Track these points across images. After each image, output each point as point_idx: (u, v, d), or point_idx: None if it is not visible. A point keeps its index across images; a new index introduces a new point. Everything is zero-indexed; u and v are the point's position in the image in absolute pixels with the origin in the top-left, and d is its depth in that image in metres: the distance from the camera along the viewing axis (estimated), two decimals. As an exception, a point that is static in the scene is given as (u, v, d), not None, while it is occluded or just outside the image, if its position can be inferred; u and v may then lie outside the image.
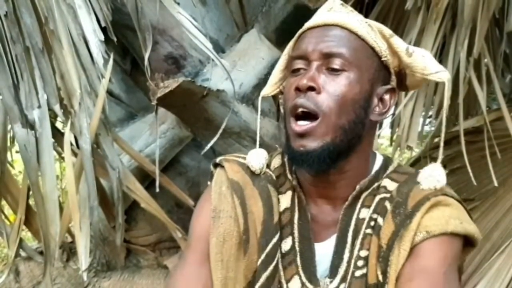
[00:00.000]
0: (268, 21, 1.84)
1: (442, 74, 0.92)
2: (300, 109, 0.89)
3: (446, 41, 1.91)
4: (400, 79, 0.98)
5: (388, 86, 0.95)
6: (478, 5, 1.69)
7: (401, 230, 0.87)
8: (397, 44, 0.94)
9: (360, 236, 0.94)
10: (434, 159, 2.38)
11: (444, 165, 2.42)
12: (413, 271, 0.86)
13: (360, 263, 0.93)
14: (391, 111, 0.98)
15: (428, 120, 2.40)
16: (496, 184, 1.88)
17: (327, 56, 0.89)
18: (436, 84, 1.98)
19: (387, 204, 0.93)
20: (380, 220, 0.92)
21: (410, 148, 1.90)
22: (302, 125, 0.89)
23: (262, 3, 1.85)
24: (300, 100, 0.89)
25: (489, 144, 1.96)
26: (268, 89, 1.03)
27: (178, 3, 1.51)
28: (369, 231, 0.93)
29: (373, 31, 0.93)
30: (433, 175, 0.90)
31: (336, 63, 0.89)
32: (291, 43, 0.99)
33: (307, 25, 0.95)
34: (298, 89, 0.89)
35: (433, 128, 2.37)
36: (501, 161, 2.02)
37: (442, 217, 0.88)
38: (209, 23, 1.73)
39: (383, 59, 0.93)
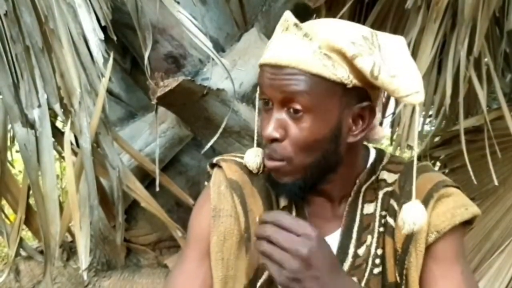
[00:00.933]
0: (268, 20, 1.84)
1: (413, 98, 0.84)
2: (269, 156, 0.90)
3: (446, 40, 1.91)
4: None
5: (364, 104, 0.88)
6: (478, 3, 1.69)
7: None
8: (361, 67, 0.83)
9: (375, 235, 0.96)
10: (434, 158, 2.37)
11: (444, 164, 2.42)
12: (434, 276, 0.91)
13: (377, 261, 0.95)
14: (373, 124, 0.91)
15: (428, 120, 2.40)
16: (496, 183, 1.89)
17: (285, 100, 0.86)
18: (436, 83, 1.98)
19: (393, 203, 0.95)
20: (390, 220, 0.94)
21: (410, 147, 1.90)
22: (271, 163, 0.89)
23: (262, 2, 1.85)
24: (267, 150, 0.89)
25: (489, 143, 1.96)
26: None
27: (178, 2, 1.51)
28: (382, 229, 0.96)
29: (330, 60, 0.83)
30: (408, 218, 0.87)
31: (295, 106, 0.85)
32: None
33: (262, 59, 0.89)
34: (264, 138, 0.89)
35: (433, 128, 2.38)
36: (501, 160, 2.02)
37: (448, 211, 0.91)
38: (209, 22, 1.72)
39: (348, 86, 0.85)
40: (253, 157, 0.98)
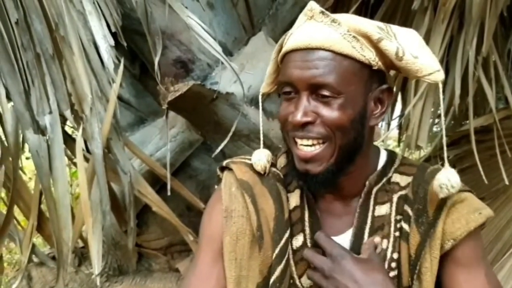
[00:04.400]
0: (275, 24, 1.84)
1: (435, 76, 0.88)
2: (301, 137, 0.90)
3: (453, 40, 1.91)
4: (396, 70, 0.96)
5: (384, 87, 0.93)
6: (486, 3, 1.69)
7: (427, 240, 0.91)
8: (386, 49, 0.88)
9: (391, 239, 0.97)
10: (443, 159, 2.37)
11: (453, 164, 2.41)
12: (458, 281, 0.93)
13: (393, 265, 0.96)
14: (389, 109, 0.97)
15: (437, 120, 2.39)
16: (507, 182, 1.88)
17: (315, 87, 0.87)
18: (445, 83, 1.98)
19: (408, 208, 0.96)
20: (405, 226, 0.96)
21: (419, 147, 1.89)
22: (307, 151, 0.90)
23: (269, 6, 1.86)
24: (299, 133, 0.90)
25: (498, 142, 1.96)
26: (266, 88, 1.05)
27: (186, 7, 1.51)
28: (397, 234, 0.97)
29: (358, 42, 0.88)
30: (447, 183, 0.89)
31: (325, 92, 0.87)
32: (277, 47, 0.97)
33: (290, 44, 0.90)
34: (293, 124, 0.89)
35: (439, 128, 2.37)
36: (511, 160, 2.01)
37: (462, 217, 0.92)
38: (217, 26, 1.73)
39: (373, 68, 0.90)
40: (258, 158, 0.99)
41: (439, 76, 0.88)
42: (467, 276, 0.92)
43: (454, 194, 0.91)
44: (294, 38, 0.90)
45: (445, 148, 0.92)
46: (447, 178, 0.88)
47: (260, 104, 1.05)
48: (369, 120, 0.92)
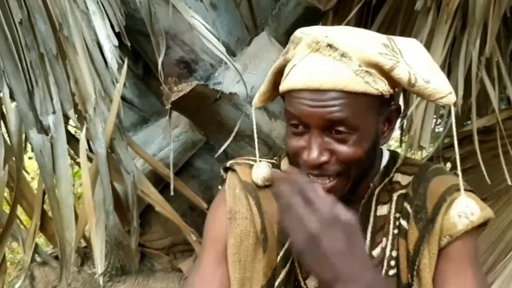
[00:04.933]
0: (278, 24, 1.84)
1: (448, 98, 0.86)
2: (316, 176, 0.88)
3: (456, 41, 1.90)
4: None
5: (392, 108, 0.91)
6: (489, 4, 1.69)
7: (426, 236, 0.90)
8: (399, 77, 0.84)
9: (390, 237, 0.96)
10: (445, 159, 2.37)
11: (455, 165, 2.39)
12: (446, 276, 0.91)
13: (392, 263, 0.96)
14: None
15: (439, 121, 2.39)
16: (509, 182, 1.88)
17: (330, 124, 0.84)
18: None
19: (407, 205, 0.95)
20: (404, 223, 0.95)
21: (422, 148, 1.89)
22: (323, 184, 0.87)
23: (272, 6, 1.86)
24: (314, 172, 0.87)
25: (501, 143, 1.95)
26: (258, 103, 1.03)
27: (189, 7, 1.52)
28: (396, 231, 0.96)
29: (371, 76, 0.84)
30: (466, 212, 0.89)
31: (340, 129, 0.84)
32: (275, 71, 0.95)
33: (297, 83, 0.85)
34: (308, 164, 0.87)
35: (441, 129, 2.37)
36: (513, 160, 2.01)
37: None
38: (220, 26, 1.73)
39: (385, 97, 0.87)
40: (259, 173, 0.99)
41: (452, 98, 0.86)
42: (456, 272, 0.91)
43: (454, 192, 0.91)
44: (301, 76, 0.85)
45: (458, 162, 0.90)
46: (465, 205, 0.88)
47: (253, 114, 1.04)
48: (379, 143, 0.92)
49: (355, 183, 0.90)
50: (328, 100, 0.83)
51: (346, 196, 0.90)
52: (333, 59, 0.84)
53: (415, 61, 0.87)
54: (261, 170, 0.99)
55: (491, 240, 1.99)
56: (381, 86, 0.85)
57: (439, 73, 0.88)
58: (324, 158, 0.85)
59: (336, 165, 0.86)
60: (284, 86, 0.89)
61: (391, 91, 0.87)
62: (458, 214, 0.88)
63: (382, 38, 0.88)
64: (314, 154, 0.85)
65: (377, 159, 0.98)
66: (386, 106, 0.89)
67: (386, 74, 0.85)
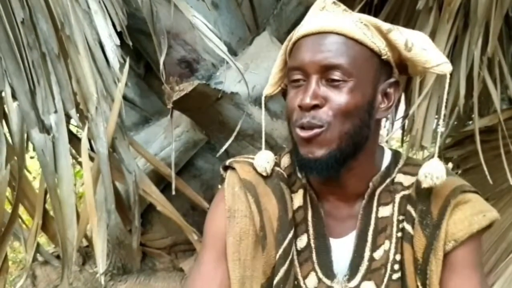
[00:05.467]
0: (280, 24, 1.85)
1: (443, 67, 0.89)
2: (306, 124, 0.90)
3: (458, 40, 1.90)
4: (402, 68, 0.97)
5: (391, 80, 0.94)
6: (491, 3, 1.68)
7: (433, 243, 0.90)
8: (396, 40, 0.90)
9: (393, 240, 0.96)
10: (446, 159, 2.36)
11: (457, 165, 2.41)
12: (452, 284, 0.91)
13: (396, 267, 0.95)
14: (395, 104, 0.97)
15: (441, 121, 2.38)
16: (511, 182, 1.87)
17: (326, 69, 0.88)
18: (450, 83, 1.97)
19: (411, 209, 0.95)
20: (408, 227, 0.94)
21: (423, 148, 1.89)
22: (310, 132, 0.89)
23: (274, 5, 1.86)
24: (305, 119, 0.89)
25: (503, 143, 1.95)
26: (270, 89, 1.04)
27: (191, 7, 1.52)
28: (399, 235, 0.96)
29: (369, 31, 0.90)
30: (431, 173, 0.89)
31: (336, 75, 0.88)
32: (286, 43, 0.98)
33: (301, 31, 0.92)
34: (301, 107, 0.89)
35: (443, 128, 2.36)
36: (515, 160, 2.01)
37: (465, 219, 0.91)
38: (222, 26, 1.73)
39: (383, 57, 0.91)
40: (260, 159, 0.99)
41: (447, 67, 0.89)
42: (461, 281, 0.91)
43: (458, 194, 0.91)
44: (306, 26, 0.92)
45: (439, 139, 0.95)
46: (432, 168, 0.89)
47: (263, 105, 1.05)
48: (376, 113, 0.92)
49: (346, 143, 0.89)
50: (327, 43, 0.89)
51: (335, 166, 0.90)
52: (336, 13, 0.91)
53: (414, 36, 0.91)
54: (265, 154, 1.00)
55: (493, 239, 1.98)
56: (378, 43, 0.90)
57: (437, 48, 0.91)
58: (317, 101, 0.88)
59: (327, 114, 0.88)
60: (290, 42, 0.95)
61: (389, 55, 0.91)
62: (425, 175, 0.89)
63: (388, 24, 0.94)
64: (307, 98, 0.88)
65: (373, 156, 0.97)
66: (384, 74, 0.93)
67: (384, 36, 0.91)
